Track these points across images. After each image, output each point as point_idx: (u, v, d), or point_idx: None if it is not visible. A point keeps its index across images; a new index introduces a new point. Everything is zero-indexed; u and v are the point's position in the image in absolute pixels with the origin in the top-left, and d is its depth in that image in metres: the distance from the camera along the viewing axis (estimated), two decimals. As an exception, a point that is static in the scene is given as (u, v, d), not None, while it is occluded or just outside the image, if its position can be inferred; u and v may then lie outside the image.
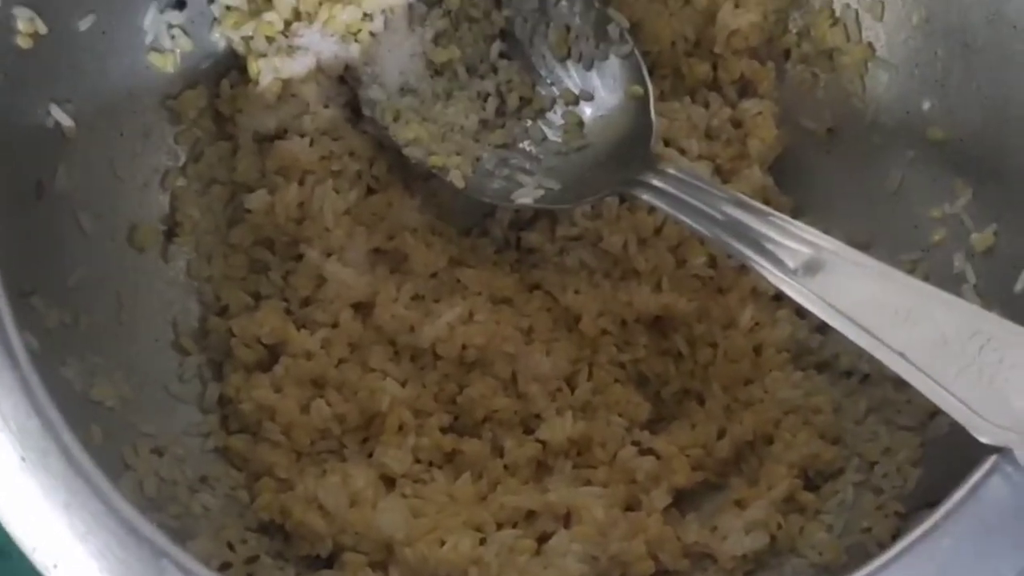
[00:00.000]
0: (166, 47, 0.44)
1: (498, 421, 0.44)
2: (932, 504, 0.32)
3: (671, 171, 0.42)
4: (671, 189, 0.41)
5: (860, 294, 0.34)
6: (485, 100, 0.47)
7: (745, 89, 0.48)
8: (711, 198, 0.40)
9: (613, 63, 0.46)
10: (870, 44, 0.45)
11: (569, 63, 0.47)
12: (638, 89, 0.46)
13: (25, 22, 0.37)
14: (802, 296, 0.36)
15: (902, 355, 0.33)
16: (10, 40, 0.36)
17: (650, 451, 0.43)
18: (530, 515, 0.41)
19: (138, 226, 0.43)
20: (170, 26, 0.44)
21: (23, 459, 0.31)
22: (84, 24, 0.40)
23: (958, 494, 0.30)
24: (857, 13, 0.46)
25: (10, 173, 0.36)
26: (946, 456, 0.36)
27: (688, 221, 0.40)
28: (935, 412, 0.38)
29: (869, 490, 0.38)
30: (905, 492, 0.37)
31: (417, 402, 0.43)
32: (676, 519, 0.41)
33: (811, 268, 0.36)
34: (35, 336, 0.34)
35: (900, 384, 0.40)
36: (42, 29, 0.37)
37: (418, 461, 0.43)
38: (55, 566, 0.30)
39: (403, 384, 0.44)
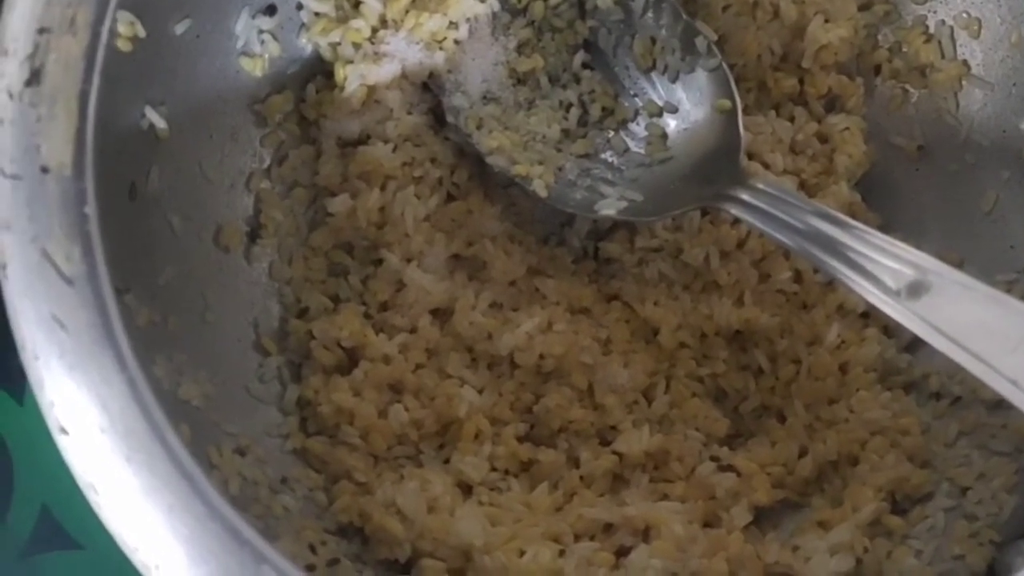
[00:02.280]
0: (256, 51, 0.44)
1: (574, 432, 0.44)
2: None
3: (761, 186, 0.41)
4: (762, 204, 0.40)
5: (969, 318, 0.34)
6: (567, 110, 0.47)
7: (832, 104, 0.47)
8: (805, 215, 0.39)
9: (700, 76, 0.46)
10: (965, 62, 0.45)
11: (654, 75, 0.47)
12: (726, 103, 0.45)
13: (126, 25, 0.37)
14: (907, 319, 0.35)
15: (1014, 383, 0.32)
16: (111, 43, 0.37)
17: (729, 467, 0.42)
18: (608, 528, 0.41)
19: (224, 227, 0.43)
20: (260, 31, 0.44)
21: (128, 460, 0.31)
22: (180, 28, 0.40)
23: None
24: (952, 30, 0.45)
25: (107, 174, 0.36)
26: (1045, 484, 0.35)
27: (781, 237, 0.39)
28: (1033, 438, 0.37)
29: (961, 516, 0.37)
30: (1000, 520, 0.36)
31: (494, 410, 0.43)
32: (756, 537, 0.40)
33: (915, 290, 0.35)
34: (129, 335, 0.35)
35: (994, 407, 0.39)
36: (141, 32, 0.37)
37: (494, 469, 0.42)
38: (156, 567, 0.30)
39: (480, 392, 0.43)
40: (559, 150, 0.47)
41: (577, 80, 0.48)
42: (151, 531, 0.31)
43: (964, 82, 0.45)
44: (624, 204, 0.45)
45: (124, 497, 0.31)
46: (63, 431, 0.32)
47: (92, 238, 0.34)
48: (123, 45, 0.37)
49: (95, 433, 0.32)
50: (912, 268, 0.36)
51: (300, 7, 0.45)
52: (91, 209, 0.34)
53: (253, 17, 0.44)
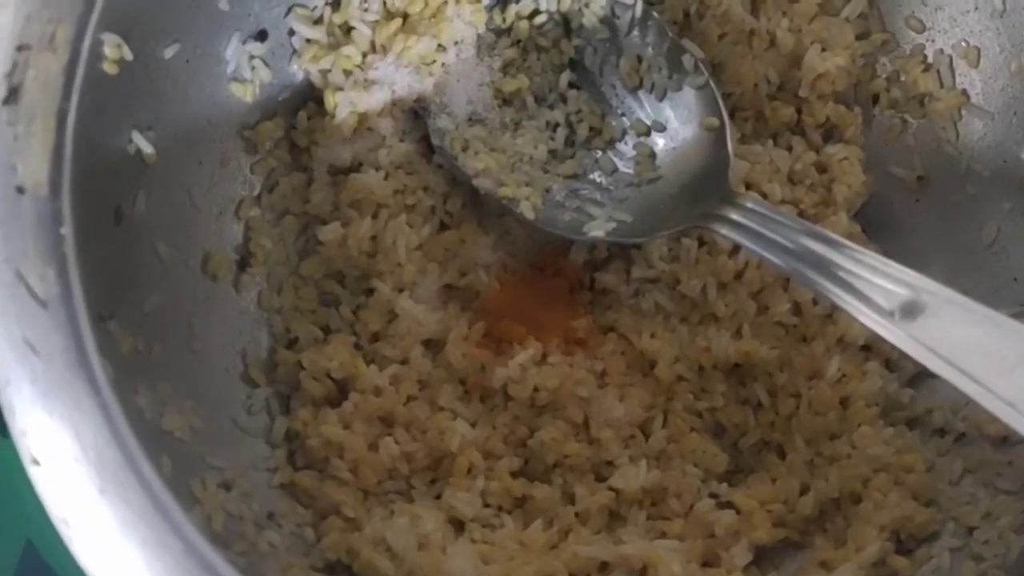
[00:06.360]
0: (246, 77, 0.44)
1: (569, 467, 0.43)
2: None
3: (750, 205, 0.40)
4: (752, 224, 0.39)
5: (964, 339, 0.33)
6: (554, 130, 0.47)
7: (830, 133, 0.47)
8: (795, 234, 0.38)
9: (687, 94, 0.46)
10: (964, 91, 0.44)
11: (641, 93, 0.47)
12: (713, 121, 0.45)
13: (112, 48, 0.36)
14: (900, 340, 0.34)
15: (1012, 405, 0.31)
16: (97, 66, 0.36)
17: (728, 504, 0.41)
18: (603, 567, 0.39)
19: (212, 254, 0.43)
20: (251, 57, 0.44)
21: (101, 491, 0.30)
22: (169, 52, 0.40)
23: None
24: (951, 59, 0.45)
25: (91, 198, 0.36)
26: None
27: (771, 257, 0.38)
28: (1041, 475, 0.36)
29: (968, 557, 0.36)
30: (1008, 561, 0.35)
31: (487, 444, 0.43)
32: (757, 578, 0.40)
33: (909, 311, 0.34)
34: (111, 362, 0.34)
35: (999, 444, 0.39)
36: (128, 56, 0.37)
37: (487, 505, 0.42)
38: (131, 605, 0.29)
39: (473, 425, 0.43)
40: (546, 171, 0.46)
41: (564, 100, 0.47)
42: (125, 567, 0.30)
43: (963, 111, 0.45)
44: (613, 225, 0.44)
45: (97, 531, 0.30)
46: (35, 461, 0.31)
47: (68, 259, 0.33)
48: (109, 68, 0.37)
49: (68, 463, 0.31)
50: (906, 288, 0.35)
51: (292, 33, 0.45)
52: (67, 230, 0.33)
53: (244, 43, 0.43)
